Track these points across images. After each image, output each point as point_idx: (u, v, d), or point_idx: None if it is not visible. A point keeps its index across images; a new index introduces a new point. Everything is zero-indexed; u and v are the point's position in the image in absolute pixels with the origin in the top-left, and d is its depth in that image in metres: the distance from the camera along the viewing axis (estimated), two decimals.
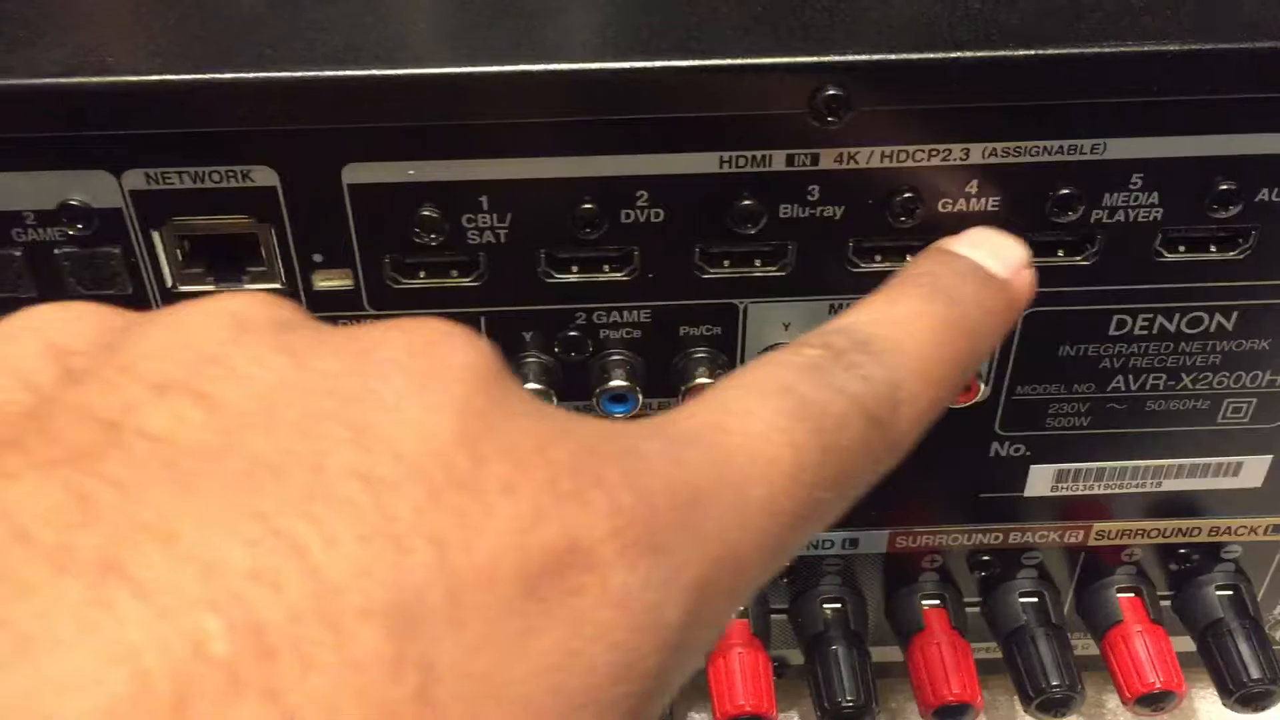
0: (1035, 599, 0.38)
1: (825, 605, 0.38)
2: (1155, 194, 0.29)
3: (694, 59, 0.26)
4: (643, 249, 0.30)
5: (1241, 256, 0.30)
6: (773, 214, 0.29)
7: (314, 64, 0.26)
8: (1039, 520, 0.37)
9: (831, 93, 0.27)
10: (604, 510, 0.16)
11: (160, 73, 0.26)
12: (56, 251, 0.29)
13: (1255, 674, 0.36)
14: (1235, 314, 0.31)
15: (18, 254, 0.29)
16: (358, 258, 0.29)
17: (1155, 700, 0.37)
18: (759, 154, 0.28)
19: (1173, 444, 0.34)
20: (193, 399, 0.16)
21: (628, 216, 0.29)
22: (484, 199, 0.28)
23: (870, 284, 0.30)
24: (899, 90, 0.27)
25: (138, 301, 0.30)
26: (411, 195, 0.28)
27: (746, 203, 0.29)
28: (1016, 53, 0.27)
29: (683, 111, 0.27)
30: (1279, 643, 0.41)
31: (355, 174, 0.28)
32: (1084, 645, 0.39)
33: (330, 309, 0.30)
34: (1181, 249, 0.30)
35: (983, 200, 0.29)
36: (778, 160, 0.28)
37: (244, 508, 0.15)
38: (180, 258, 0.29)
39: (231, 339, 0.17)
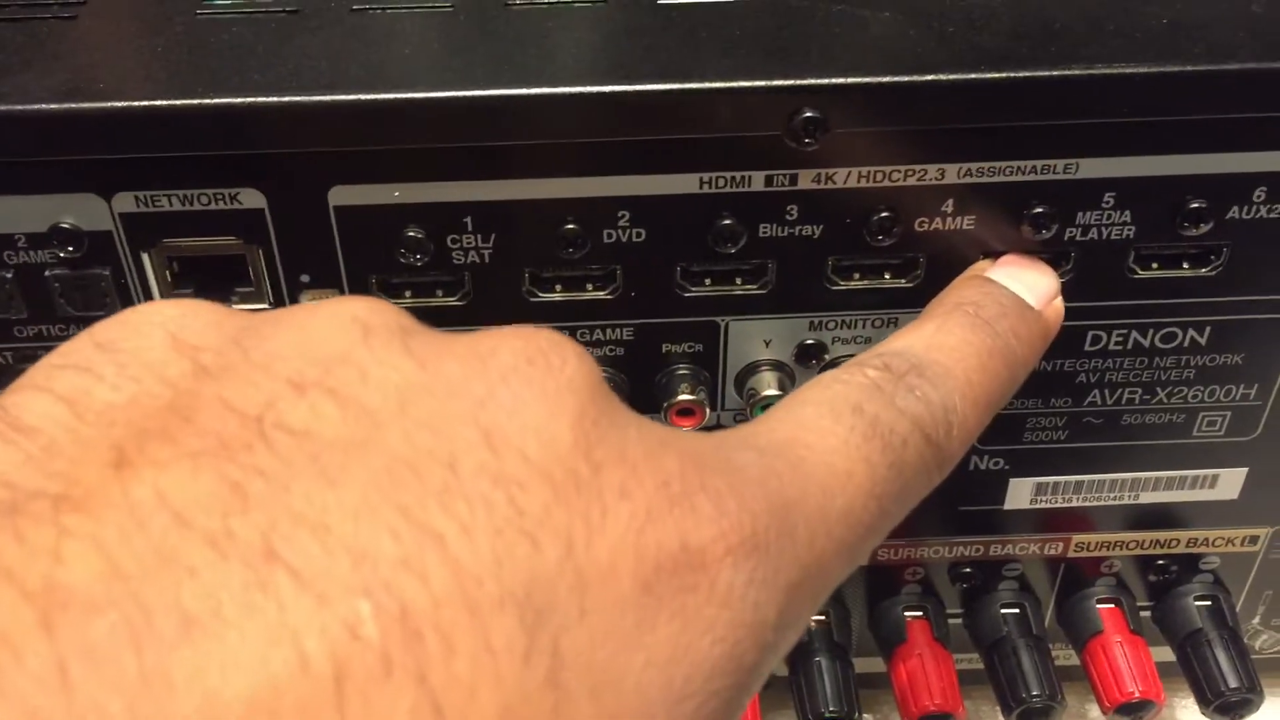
0: (1016, 610, 0.38)
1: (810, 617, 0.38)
2: (1127, 212, 0.29)
3: (673, 82, 0.27)
4: (625, 268, 0.30)
5: (1214, 273, 0.31)
6: (752, 233, 0.29)
7: (299, 89, 0.27)
8: (1019, 533, 0.37)
9: (808, 115, 0.27)
10: (711, 515, 0.17)
11: (149, 98, 0.27)
12: (47, 273, 0.29)
13: (1233, 683, 0.37)
14: (1208, 329, 0.32)
15: (9, 276, 0.29)
16: (344, 278, 0.30)
17: (1135, 709, 0.37)
18: (738, 175, 0.28)
19: (1149, 457, 0.35)
20: (329, 396, 0.17)
21: (610, 236, 0.29)
22: (468, 220, 0.29)
23: (850, 301, 0.31)
24: (875, 112, 0.27)
25: None
26: (396, 216, 0.29)
27: (726, 222, 0.29)
28: (989, 75, 0.27)
29: (663, 134, 0.28)
30: (1258, 652, 0.41)
31: (341, 196, 0.28)
32: (1066, 655, 0.40)
33: None
34: (1154, 266, 0.31)
35: (959, 219, 0.29)
36: (757, 181, 0.29)
37: (387, 501, 0.15)
38: (169, 279, 0.30)
39: (359, 341, 0.18)
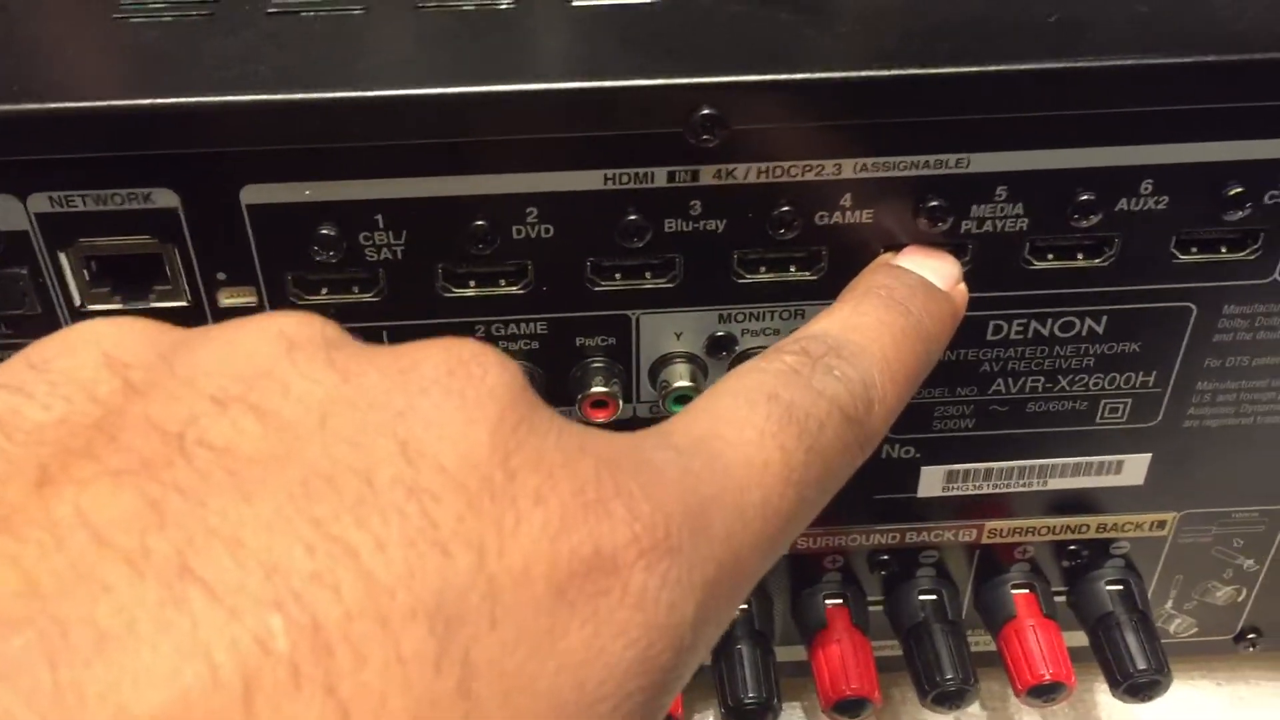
0: (934, 596, 0.39)
1: None
2: (1020, 205, 0.30)
3: (575, 81, 0.28)
4: (535, 264, 0.31)
5: (1107, 264, 0.32)
6: (658, 229, 0.30)
7: (210, 90, 0.27)
8: (934, 520, 0.38)
9: (707, 112, 0.28)
10: (624, 518, 0.18)
11: (62, 100, 0.27)
12: None
13: (1141, 665, 0.38)
14: (1105, 318, 0.33)
15: None
16: (260, 276, 0.30)
17: (1046, 691, 0.38)
18: (641, 171, 0.29)
19: (1055, 444, 0.36)
20: (250, 412, 0.17)
21: (519, 233, 0.30)
22: (379, 218, 0.30)
23: (757, 294, 0.31)
24: (771, 109, 0.28)
25: (47, 322, 0.31)
26: (309, 215, 0.29)
27: (632, 218, 0.30)
28: (881, 73, 0.28)
29: (566, 131, 0.28)
30: (1173, 636, 0.42)
31: (253, 195, 0.29)
32: (988, 641, 0.41)
33: None
34: (1050, 257, 0.32)
35: (858, 213, 0.30)
36: (659, 177, 0.29)
37: (302, 515, 0.16)
38: (87, 278, 0.30)
39: (283, 355, 0.18)
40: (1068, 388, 0.35)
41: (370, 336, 0.32)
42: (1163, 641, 0.41)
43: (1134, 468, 0.37)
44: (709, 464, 0.21)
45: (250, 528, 0.15)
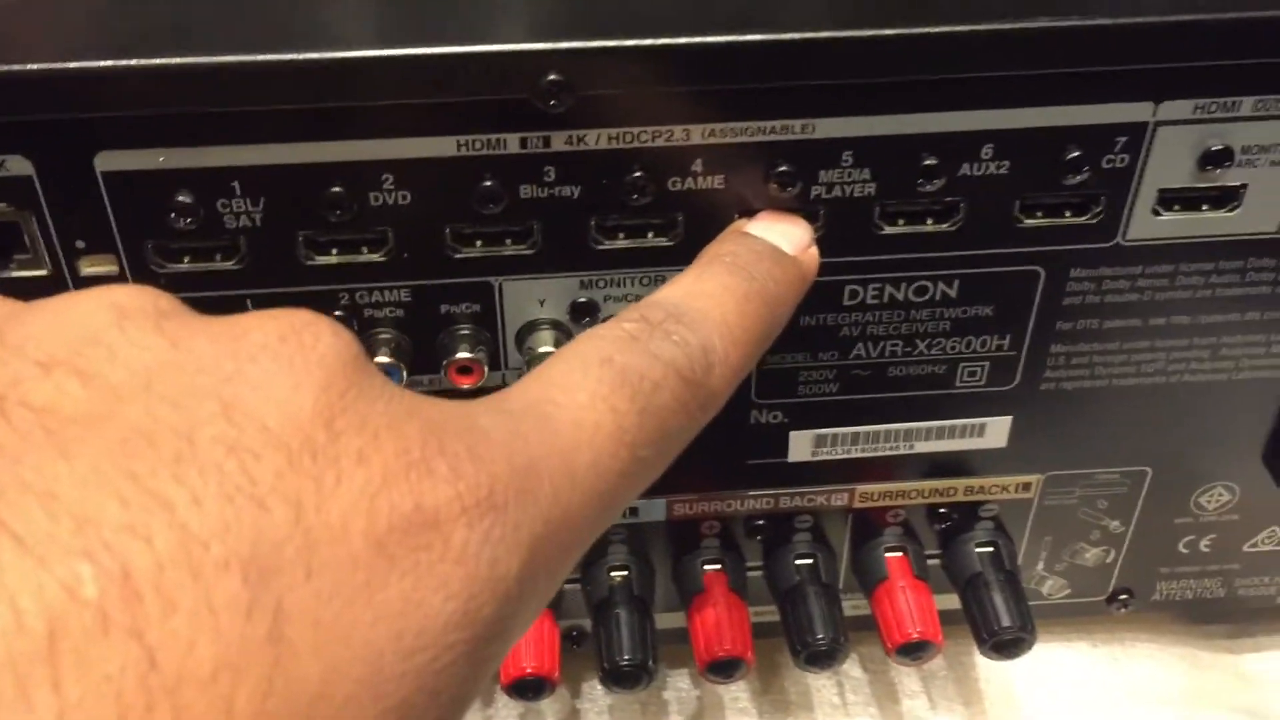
0: (809, 560, 0.40)
1: (612, 573, 0.40)
2: (866, 170, 0.31)
3: (421, 47, 0.28)
4: (395, 230, 0.31)
5: (955, 229, 0.33)
6: (513, 195, 0.31)
7: (58, 56, 0.28)
8: (806, 485, 0.39)
9: (553, 78, 0.29)
10: (447, 477, 0.19)
11: None
12: None
13: (1006, 622, 0.39)
14: (957, 282, 0.34)
15: None
16: (119, 244, 0.31)
17: (915, 650, 0.39)
18: (493, 138, 0.30)
19: (917, 408, 0.37)
20: (75, 375, 0.18)
21: (377, 199, 0.31)
22: (236, 184, 0.30)
23: (616, 260, 0.32)
24: (617, 75, 0.29)
25: None
26: (164, 182, 0.30)
27: (487, 184, 0.30)
28: (723, 39, 0.29)
29: (417, 98, 0.29)
30: (1047, 597, 0.44)
31: (108, 162, 0.29)
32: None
33: None
34: (901, 222, 0.33)
35: (709, 179, 0.31)
36: (512, 143, 0.30)
37: (119, 470, 0.16)
38: None
39: (113, 323, 0.19)
40: (926, 351, 0.36)
41: (235, 304, 0.32)
42: (1038, 603, 0.43)
43: (996, 430, 0.38)
44: (538, 426, 0.21)
45: (65, 482, 0.16)
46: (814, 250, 0.31)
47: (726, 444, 0.38)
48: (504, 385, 0.34)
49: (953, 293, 0.34)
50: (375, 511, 0.18)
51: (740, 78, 0.29)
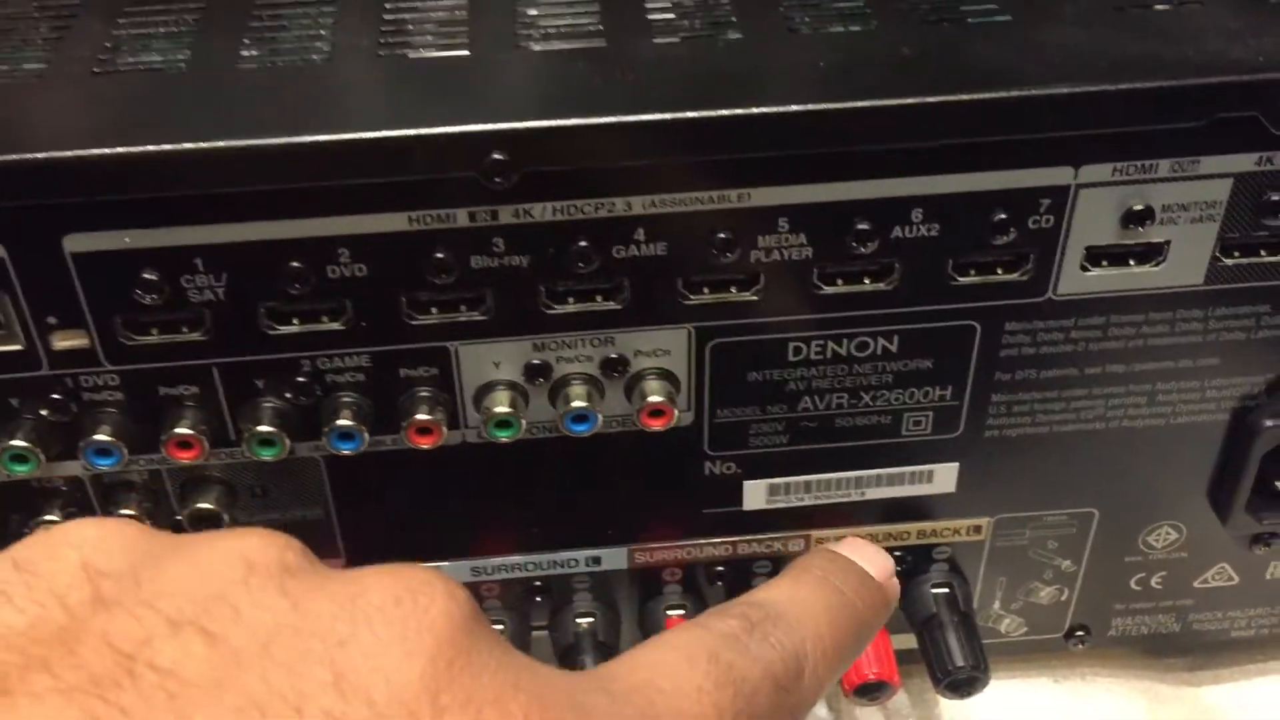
0: None
1: (578, 620, 0.41)
2: (803, 235, 0.33)
3: (373, 130, 0.30)
4: (353, 300, 0.33)
5: (891, 287, 0.34)
6: (465, 265, 0.32)
7: (30, 147, 0.29)
8: (763, 531, 0.40)
9: (497, 157, 0.30)
10: None
11: None
12: None
13: (960, 662, 0.40)
14: (897, 337, 0.35)
15: None
16: (89, 319, 0.32)
17: (872, 690, 0.40)
18: (443, 212, 0.31)
19: (866, 457, 0.38)
20: (200, 635, 0.19)
21: (334, 272, 0.32)
22: (198, 261, 0.31)
23: (567, 323, 0.33)
24: (556, 153, 0.30)
25: None
26: (130, 260, 0.31)
27: (439, 256, 0.32)
28: (659, 117, 0.30)
29: (369, 178, 0.30)
30: (1005, 635, 0.45)
31: (76, 243, 0.31)
32: None
33: (71, 366, 0.33)
34: (839, 282, 0.34)
35: (652, 246, 0.32)
36: (461, 217, 0.31)
37: None
38: None
39: (241, 580, 0.20)
40: (871, 403, 0.37)
41: (199, 373, 0.34)
42: (997, 641, 0.44)
43: (944, 476, 0.39)
44: (640, 713, 0.22)
45: None
46: (895, 582, 0.33)
47: (684, 495, 0.39)
48: (463, 444, 0.36)
49: (893, 347, 0.36)
50: None
51: (672, 153, 0.31)
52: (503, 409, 0.35)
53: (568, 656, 0.41)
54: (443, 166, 0.30)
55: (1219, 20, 0.33)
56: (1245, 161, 0.32)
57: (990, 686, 0.41)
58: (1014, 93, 0.31)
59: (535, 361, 0.35)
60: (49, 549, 0.20)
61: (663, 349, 0.35)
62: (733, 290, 0.34)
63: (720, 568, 0.41)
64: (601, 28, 0.34)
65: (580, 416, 0.35)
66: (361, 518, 0.38)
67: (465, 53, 0.33)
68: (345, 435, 0.34)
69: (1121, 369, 0.37)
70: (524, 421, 0.35)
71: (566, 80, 0.32)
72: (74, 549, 0.20)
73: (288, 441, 0.34)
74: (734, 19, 0.34)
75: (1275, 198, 0.33)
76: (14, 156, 0.29)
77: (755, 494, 0.39)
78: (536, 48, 0.33)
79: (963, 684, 0.40)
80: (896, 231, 0.33)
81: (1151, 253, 0.34)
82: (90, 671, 0.18)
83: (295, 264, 0.32)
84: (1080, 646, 0.45)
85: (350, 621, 0.19)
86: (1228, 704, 0.47)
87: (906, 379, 0.36)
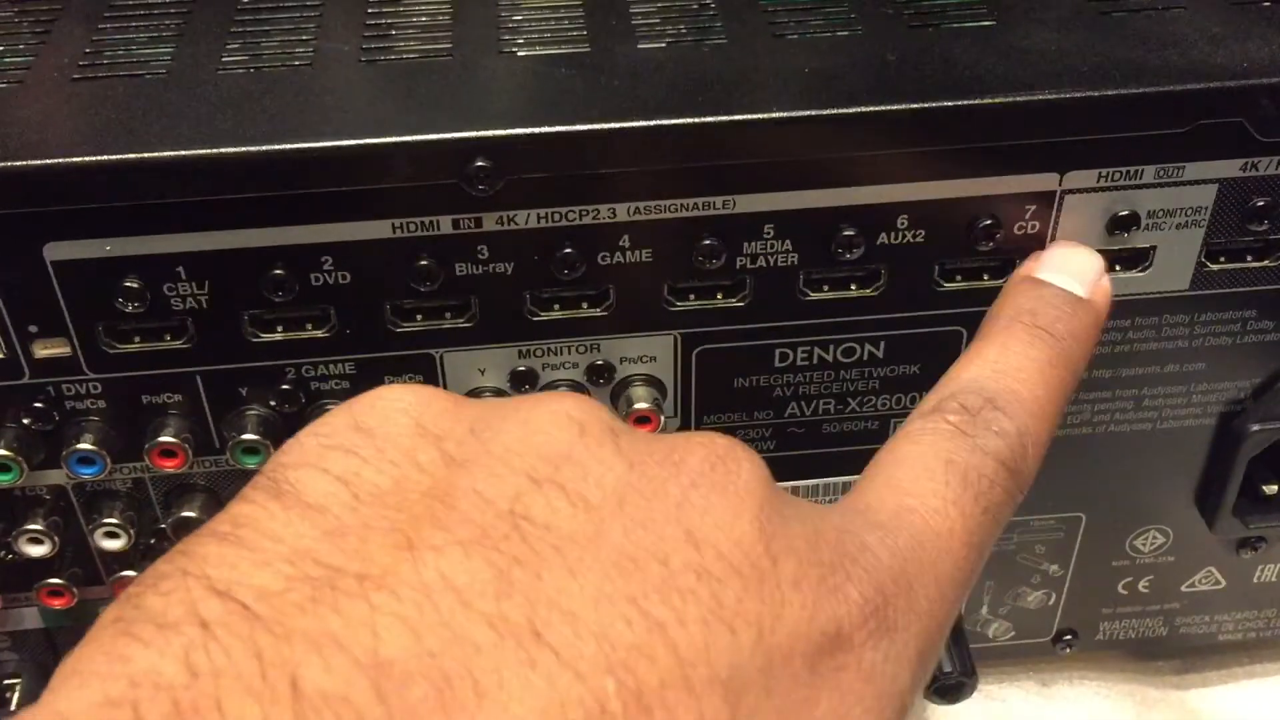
0: None
1: None
2: (788, 241, 0.33)
3: (354, 138, 0.30)
4: (337, 308, 0.33)
5: (877, 293, 0.34)
6: (449, 272, 0.32)
7: (9, 155, 0.29)
8: None
9: (480, 164, 0.30)
10: (857, 601, 0.21)
11: None
12: None
13: (948, 668, 0.40)
14: (883, 343, 0.35)
15: None
16: (71, 328, 0.32)
17: None
18: (427, 220, 0.31)
19: (853, 462, 0.38)
20: (560, 492, 0.20)
21: (317, 280, 0.32)
22: (180, 269, 0.31)
23: (552, 330, 0.33)
24: (540, 159, 0.30)
25: None
26: (111, 269, 0.31)
27: (423, 263, 0.32)
28: (643, 124, 0.30)
29: (352, 185, 0.30)
30: (993, 640, 0.45)
31: (56, 252, 0.31)
32: None
33: (53, 375, 0.33)
34: (825, 288, 0.34)
35: (637, 253, 0.32)
36: (445, 225, 0.31)
37: (619, 591, 0.18)
38: None
39: (577, 439, 0.21)
40: (858, 409, 0.37)
41: (184, 382, 0.33)
42: (986, 645, 0.44)
43: None
44: (909, 540, 0.23)
45: (579, 600, 0.18)
46: (1105, 282, 0.32)
47: None
48: None
49: (880, 353, 0.36)
50: (811, 635, 0.20)
51: (656, 160, 0.31)
52: None
53: None
54: (426, 173, 0.30)
55: (1203, 25, 0.33)
56: (1230, 167, 0.32)
57: (978, 691, 0.41)
58: (999, 99, 0.31)
59: (520, 368, 0.34)
60: (380, 413, 0.21)
61: (649, 355, 0.35)
62: (719, 297, 0.34)
63: None
64: (586, 33, 0.34)
65: None
66: None
67: (449, 58, 0.33)
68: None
69: (1108, 374, 0.37)
70: None
71: (550, 86, 0.32)
72: (402, 412, 0.21)
73: (272, 449, 0.34)
74: (719, 24, 0.34)
75: (1260, 203, 0.33)
76: None
77: None
78: (520, 53, 0.33)
79: (950, 689, 0.40)
80: (882, 238, 0.33)
81: (1137, 258, 0.34)
82: (477, 524, 0.19)
83: (278, 272, 0.31)
84: (1068, 651, 0.45)
85: (679, 484, 0.20)
86: (1216, 707, 0.47)
87: (893, 385, 0.36)
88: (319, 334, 0.33)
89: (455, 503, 0.19)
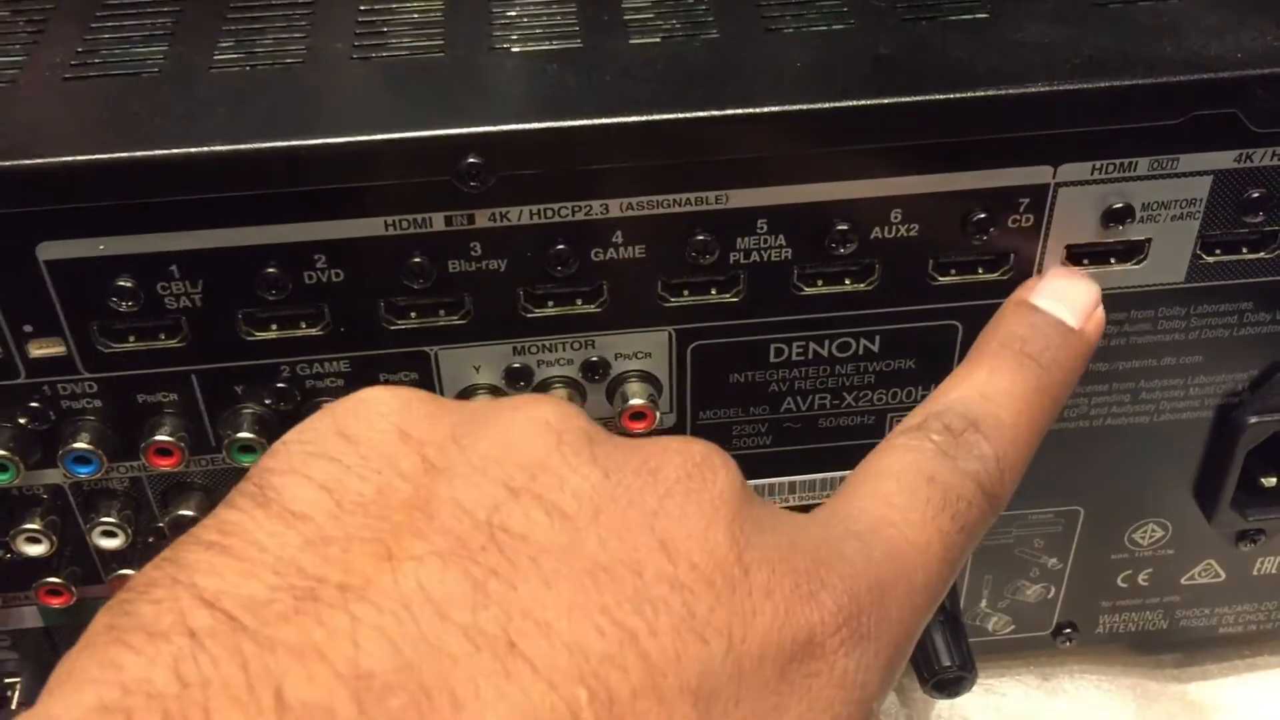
0: None
1: None
2: (781, 236, 0.33)
3: (347, 135, 0.30)
4: (331, 306, 0.33)
5: (872, 288, 0.34)
6: (442, 269, 0.32)
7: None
8: None
9: (472, 161, 0.30)
10: (831, 610, 0.21)
11: None
12: None
13: (946, 662, 0.40)
14: (879, 338, 0.35)
15: None
16: (65, 327, 0.32)
17: None
18: (419, 217, 0.31)
19: (849, 457, 0.38)
20: (537, 502, 0.20)
21: (311, 278, 0.32)
22: (174, 268, 0.31)
23: (546, 327, 0.33)
24: (531, 155, 0.30)
25: None
26: (105, 268, 0.31)
27: (416, 260, 0.32)
28: (636, 119, 0.30)
29: (344, 182, 0.30)
30: (993, 634, 0.45)
31: (50, 251, 0.31)
32: None
33: (48, 375, 0.33)
34: (819, 283, 0.34)
35: (630, 249, 0.32)
36: (437, 222, 0.31)
37: (591, 602, 0.19)
38: None
39: (554, 448, 0.21)
40: (854, 404, 0.37)
41: (179, 380, 0.33)
42: (985, 639, 0.44)
43: None
44: (885, 551, 0.23)
45: (553, 610, 0.18)
46: (1099, 313, 0.32)
47: None
48: None
49: (875, 348, 0.35)
50: (782, 643, 0.20)
51: (650, 155, 0.31)
52: None
53: None
54: (418, 170, 0.30)
55: (1197, 16, 0.33)
56: (1225, 159, 0.32)
57: (978, 685, 0.41)
58: (992, 92, 0.31)
59: (515, 365, 0.34)
60: (362, 419, 0.22)
61: (644, 351, 0.35)
62: (713, 292, 0.34)
63: None
64: (578, 28, 0.34)
65: None
66: None
67: (441, 55, 0.33)
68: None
69: (1104, 367, 0.36)
70: None
71: (543, 82, 0.32)
72: (384, 418, 0.22)
73: (268, 447, 0.34)
74: (711, 18, 0.34)
75: (1255, 194, 0.33)
76: None
77: None
78: (513, 49, 0.33)
79: (950, 683, 0.40)
80: (876, 232, 0.33)
81: (1132, 251, 0.34)
82: (455, 535, 0.19)
83: (271, 270, 0.31)
84: (1068, 644, 0.45)
85: (655, 493, 0.21)
86: (1216, 700, 0.47)
87: (889, 379, 0.36)
88: (313, 332, 0.33)
89: (435, 512, 0.20)
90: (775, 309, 0.34)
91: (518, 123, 0.30)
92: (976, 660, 0.40)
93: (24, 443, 0.34)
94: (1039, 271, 0.34)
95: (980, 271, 0.34)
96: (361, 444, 0.21)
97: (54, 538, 0.36)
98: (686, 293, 0.34)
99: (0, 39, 0.34)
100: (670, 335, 0.34)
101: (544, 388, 0.35)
